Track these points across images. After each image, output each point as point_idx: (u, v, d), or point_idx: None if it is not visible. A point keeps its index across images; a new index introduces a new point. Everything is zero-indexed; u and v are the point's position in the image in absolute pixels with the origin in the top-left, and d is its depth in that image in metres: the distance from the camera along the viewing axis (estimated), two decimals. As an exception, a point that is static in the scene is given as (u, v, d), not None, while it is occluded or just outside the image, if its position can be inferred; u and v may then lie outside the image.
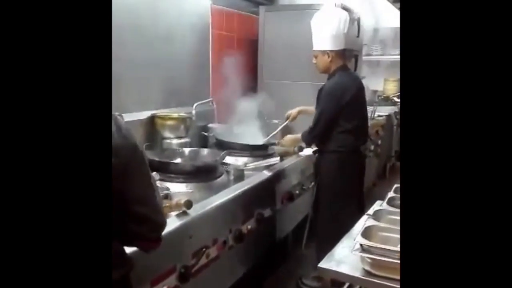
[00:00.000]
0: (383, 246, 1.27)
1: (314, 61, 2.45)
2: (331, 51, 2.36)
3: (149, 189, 1.03)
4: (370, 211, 1.60)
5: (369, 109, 4.08)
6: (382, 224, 1.47)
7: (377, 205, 1.71)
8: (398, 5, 3.91)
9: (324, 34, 2.36)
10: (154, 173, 1.65)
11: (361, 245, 1.30)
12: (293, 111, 2.73)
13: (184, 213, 1.53)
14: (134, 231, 1.02)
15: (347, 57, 2.52)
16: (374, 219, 1.50)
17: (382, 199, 1.75)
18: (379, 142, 4.21)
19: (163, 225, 1.08)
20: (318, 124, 2.37)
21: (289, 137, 2.61)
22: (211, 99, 2.87)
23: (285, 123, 2.67)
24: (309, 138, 2.46)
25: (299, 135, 2.51)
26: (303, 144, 2.61)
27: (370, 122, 3.92)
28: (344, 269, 1.32)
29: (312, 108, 2.72)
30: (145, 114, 2.33)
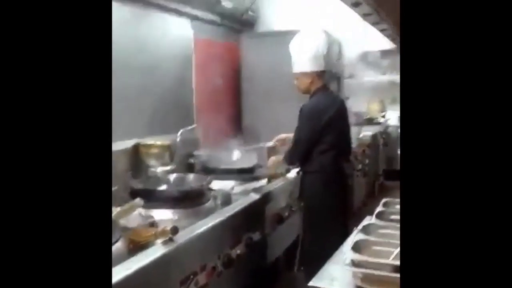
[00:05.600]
0: (374, 260, 1.25)
1: (295, 82, 2.49)
2: (311, 72, 2.40)
3: None
4: (360, 226, 1.58)
5: (355, 129, 4.15)
6: (372, 238, 1.45)
7: (366, 220, 1.69)
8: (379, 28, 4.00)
9: (304, 56, 2.40)
10: (138, 199, 1.62)
11: (352, 260, 1.27)
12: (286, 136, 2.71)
13: (170, 240, 1.49)
14: None
15: (327, 78, 2.56)
16: (364, 233, 1.47)
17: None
18: (366, 161, 4.23)
19: None
20: (298, 145, 2.40)
21: (272, 159, 2.62)
22: (195, 125, 2.87)
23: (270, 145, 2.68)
24: (290, 158, 2.49)
25: (281, 157, 2.53)
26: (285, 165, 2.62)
27: (356, 142, 3.96)
28: (336, 285, 1.28)
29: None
30: (129, 143, 2.31)
